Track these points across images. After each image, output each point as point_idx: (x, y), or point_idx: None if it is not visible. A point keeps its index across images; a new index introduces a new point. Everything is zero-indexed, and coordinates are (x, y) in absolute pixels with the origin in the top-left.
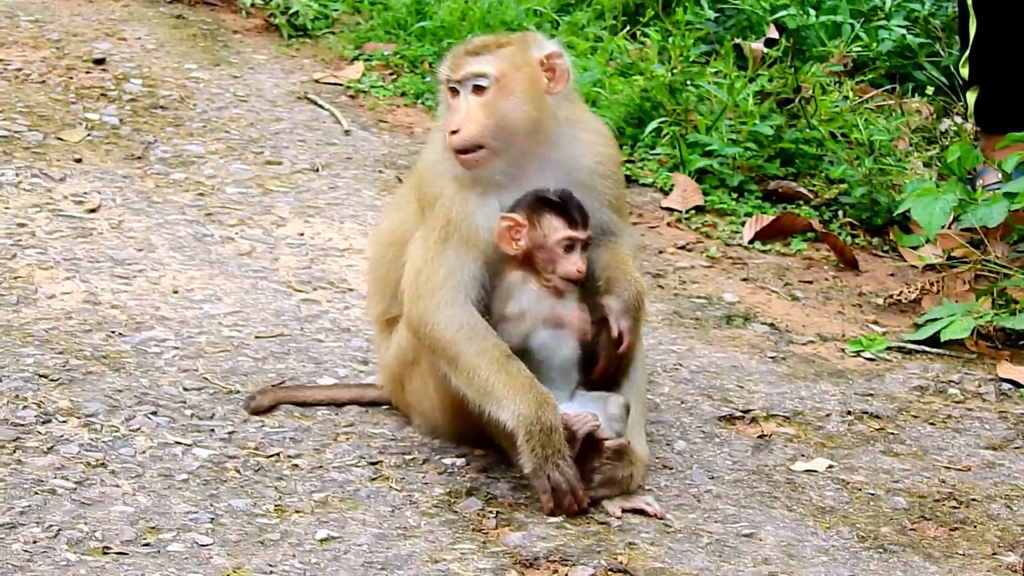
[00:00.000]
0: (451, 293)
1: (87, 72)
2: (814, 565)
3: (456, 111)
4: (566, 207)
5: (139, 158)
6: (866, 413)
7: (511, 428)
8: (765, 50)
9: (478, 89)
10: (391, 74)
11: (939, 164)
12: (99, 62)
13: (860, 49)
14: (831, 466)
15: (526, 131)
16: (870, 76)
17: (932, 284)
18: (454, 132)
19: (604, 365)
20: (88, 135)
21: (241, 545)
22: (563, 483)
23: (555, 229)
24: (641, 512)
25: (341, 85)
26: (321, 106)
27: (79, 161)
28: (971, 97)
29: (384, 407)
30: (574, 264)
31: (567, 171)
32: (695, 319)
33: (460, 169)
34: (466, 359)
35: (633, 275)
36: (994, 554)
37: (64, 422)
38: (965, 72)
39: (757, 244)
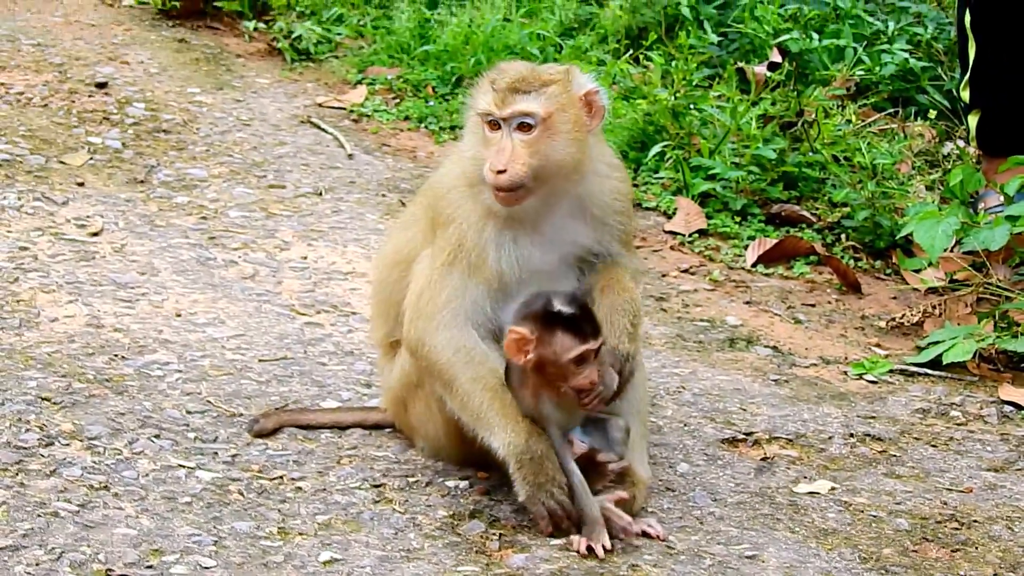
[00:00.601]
0: (451, 315)
1: (89, 96)
2: None
3: (501, 149)
4: (577, 323)
5: (142, 182)
6: (868, 435)
7: (502, 456)
8: (768, 74)
9: (525, 127)
10: (394, 98)
11: (942, 187)
12: (101, 86)
13: (863, 73)
14: (833, 488)
15: (567, 171)
16: (873, 100)
17: (934, 307)
18: (500, 172)
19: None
20: (91, 159)
21: (244, 568)
22: (558, 509)
23: (567, 348)
24: (644, 534)
25: (344, 109)
26: (324, 130)
27: (81, 185)
28: (972, 120)
29: (387, 430)
30: (587, 377)
31: (584, 207)
32: (698, 342)
33: (484, 198)
34: (461, 383)
35: (628, 286)
36: (995, 575)
37: (67, 445)
38: (966, 96)
39: (760, 267)
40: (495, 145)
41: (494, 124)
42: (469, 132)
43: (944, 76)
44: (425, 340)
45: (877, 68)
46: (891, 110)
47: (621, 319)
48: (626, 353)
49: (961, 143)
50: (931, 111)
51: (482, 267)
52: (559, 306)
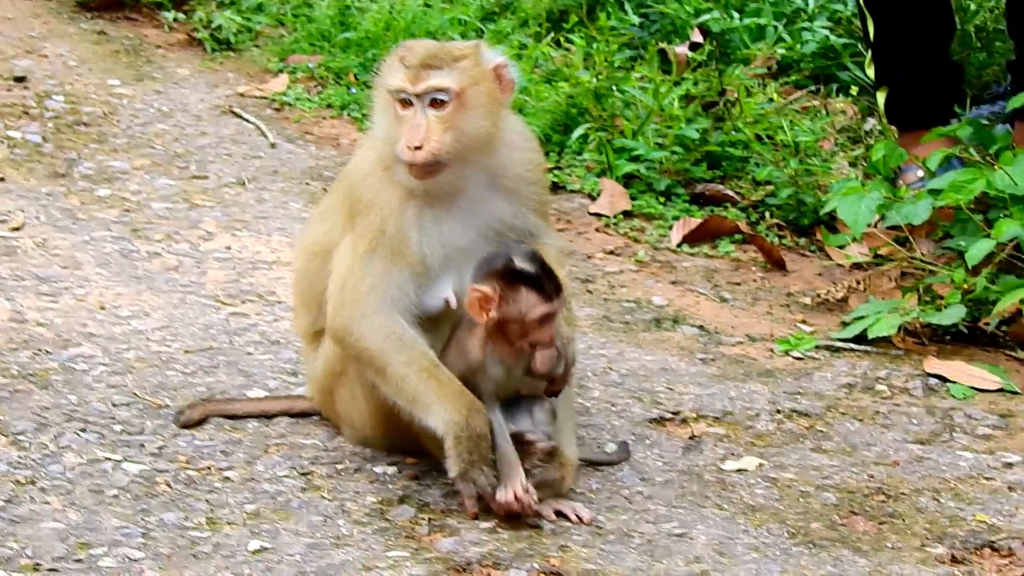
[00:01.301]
0: (376, 302)
1: (8, 90)
2: (745, 563)
3: (415, 125)
4: (540, 281)
5: (63, 175)
6: (795, 411)
7: (441, 434)
8: (689, 54)
9: (438, 103)
10: (316, 86)
11: (864, 163)
12: (20, 80)
13: (784, 51)
14: (761, 464)
15: (482, 145)
16: (794, 78)
17: (859, 282)
18: (416, 148)
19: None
20: (10, 153)
21: (173, 559)
22: (489, 488)
23: (531, 306)
24: (566, 517)
25: (266, 98)
26: (246, 119)
27: (2, 180)
28: (880, 97)
29: (315, 418)
30: (548, 334)
31: (497, 179)
32: (624, 323)
33: (402, 179)
34: (394, 368)
35: (559, 273)
36: (923, 546)
37: None
38: (871, 73)
39: (685, 247)
40: (408, 122)
41: (406, 102)
42: (380, 113)
43: (864, 52)
44: (352, 329)
45: (798, 46)
46: (813, 87)
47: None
48: (567, 337)
49: (880, 118)
50: (852, 87)
51: (404, 251)
52: (521, 264)
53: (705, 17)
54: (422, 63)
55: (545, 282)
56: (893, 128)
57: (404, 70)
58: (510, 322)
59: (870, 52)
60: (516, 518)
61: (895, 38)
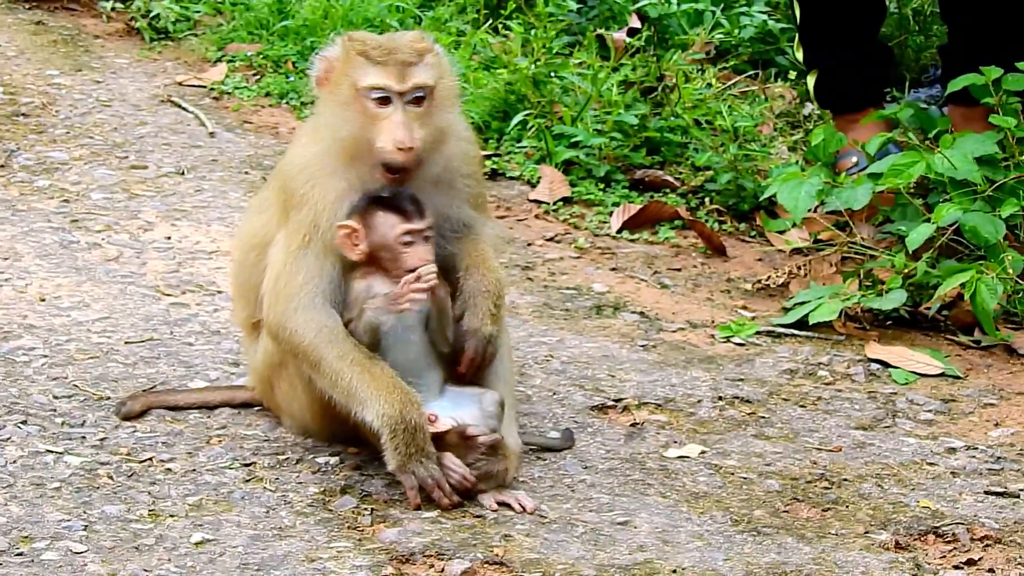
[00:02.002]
0: (309, 297)
1: None
2: (689, 550)
3: (399, 124)
4: (397, 201)
5: (2, 166)
6: (737, 398)
7: (376, 428)
8: (628, 40)
9: (417, 100)
10: (255, 75)
11: (804, 148)
12: None
13: (722, 36)
14: (704, 452)
15: (443, 140)
16: (733, 63)
17: (799, 268)
18: (406, 148)
19: (470, 357)
20: None
21: (116, 551)
22: (429, 478)
23: (391, 226)
24: (509, 507)
25: (205, 87)
26: (185, 109)
27: None
28: (810, 80)
29: (256, 408)
30: (418, 256)
31: (434, 171)
32: (565, 310)
33: (350, 176)
34: (329, 362)
35: (491, 264)
36: (866, 532)
37: None
38: (800, 56)
39: (625, 233)
40: (390, 121)
41: (385, 99)
42: (340, 109)
43: None
44: (286, 324)
45: (736, 31)
46: (751, 72)
47: (484, 301)
48: (488, 334)
49: None
50: (791, 72)
51: (335, 248)
52: (380, 193)
53: (643, 2)
54: (403, 60)
55: (405, 203)
56: (828, 112)
57: (382, 67)
58: (380, 250)
59: (798, 35)
60: (459, 506)
61: (823, 20)
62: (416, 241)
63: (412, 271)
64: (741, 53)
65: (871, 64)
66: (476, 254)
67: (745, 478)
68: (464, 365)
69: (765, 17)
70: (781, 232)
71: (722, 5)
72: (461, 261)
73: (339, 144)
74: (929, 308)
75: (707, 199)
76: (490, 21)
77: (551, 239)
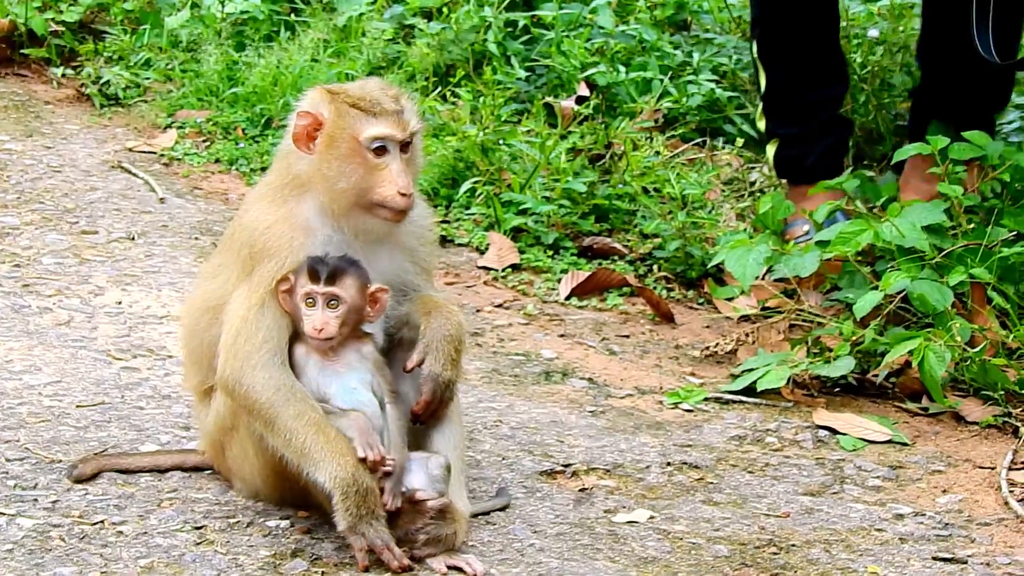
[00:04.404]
0: (268, 355)
1: None
2: None
3: (399, 172)
4: (319, 266)
5: None
6: (685, 464)
7: (328, 489)
8: (576, 107)
9: (405, 147)
10: (204, 141)
11: (752, 216)
12: None
13: (670, 104)
14: (652, 517)
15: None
16: (681, 131)
17: (747, 335)
18: (407, 195)
19: (426, 400)
20: None
21: None
22: (378, 541)
23: (300, 286)
24: (464, 570)
25: (155, 153)
26: (135, 174)
27: None
28: (770, 149)
29: (207, 472)
30: (311, 322)
31: (397, 235)
32: (514, 376)
33: (320, 227)
34: (283, 421)
35: (452, 310)
36: None
37: None
38: (762, 125)
39: (574, 300)
40: (389, 169)
41: (382, 149)
42: (335, 161)
43: (749, 104)
44: (242, 380)
45: (684, 99)
46: (699, 140)
47: (446, 345)
48: (447, 380)
49: (767, 171)
50: (738, 139)
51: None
52: (317, 256)
53: (591, 71)
54: (395, 109)
55: (324, 267)
56: (783, 182)
57: (381, 118)
58: (290, 305)
59: (761, 105)
60: (409, 570)
61: (788, 89)
62: (316, 304)
63: (309, 335)
64: (689, 121)
65: (832, 135)
66: (435, 303)
67: (694, 543)
68: (420, 407)
69: (712, 85)
70: (729, 299)
71: (670, 73)
72: (419, 310)
73: (337, 196)
74: (877, 375)
75: (655, 266)
76: (439, 89)
77: (500, 305)
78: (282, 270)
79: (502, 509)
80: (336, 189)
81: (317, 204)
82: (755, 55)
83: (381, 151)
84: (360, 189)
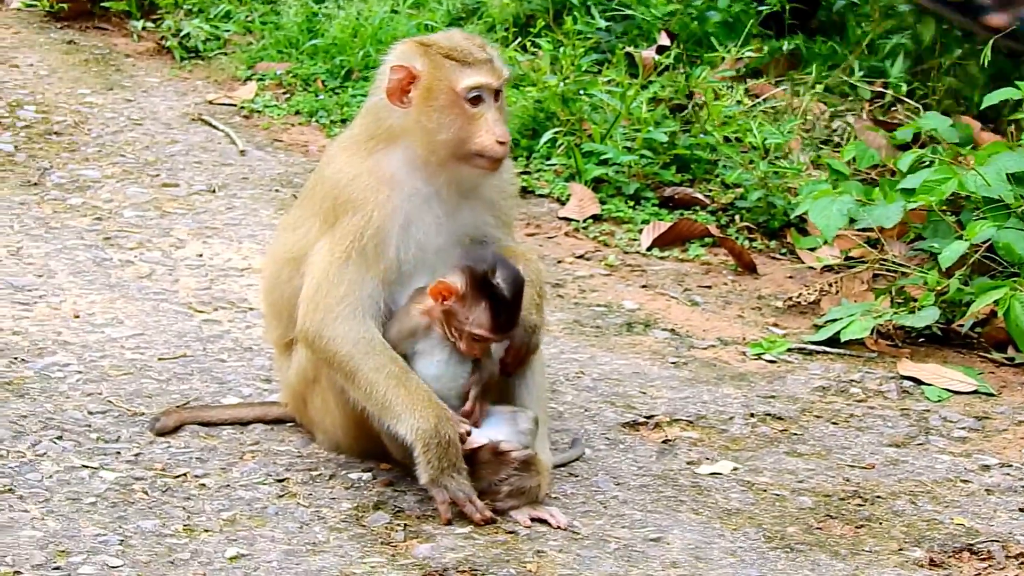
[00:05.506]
0: (350, 309)
1: None
2: (722, 567)
3: (496, 120)
4: (502, 309)
5: (35, 184)
6: (769, 415)
7: (409, 441)
8: (656, 57)
9: (497, 95)
10: (285, 93)
11: (830, 164)
12: None
13: (751, 53)
14: (736, 468)
15: None
16: (762, 80)
17: (830, 285)
18: (504, 143)
19: (516, 347)
20: None
21: (151, 566)
22: (461, 493)
23: (478, 325)
24: (546, 523)
25: (235, 105)
26: (216, 127)
27: None
28: None
29: (289, 424)
30: (472, 352)
31: (480, 188)
32: (596, 327)
33: (409, 180)
34: (364, 374)
35: (532, 257)
36: (900, 550)
37: None
38: None
39: (655, 251)
40: (486, 118)
41: (477, 99)
42: (434, 113)
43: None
44: (323, 332)
45: (765, 48)
46: (781, 89)
47: (529, 290)
48: (533, 324)
49: (851, 119)
50: (818, 86)
51: (381, 255)
52: (499, 281)
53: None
54: (487, 58)
55: (504, 313)
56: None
57: (476, 67)
58: (454, 318)
59: None
60: (492, 522)
61: None
62: (484, 342)
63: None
64: (771, 70)
65: None
66: (515, 252)
67: (778, 495)
68: (510, 355)
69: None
70: (812, 249)
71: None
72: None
73: (436, 147)
74: (962, 325)
75: (737, 216)
76: (519, 39)
77: (581, 256)
78: (368, 224)
79: (579, 458)
80: (436, 141)
81: (405, 157)
82: None
83: (477, 100)
84: (458, 139)
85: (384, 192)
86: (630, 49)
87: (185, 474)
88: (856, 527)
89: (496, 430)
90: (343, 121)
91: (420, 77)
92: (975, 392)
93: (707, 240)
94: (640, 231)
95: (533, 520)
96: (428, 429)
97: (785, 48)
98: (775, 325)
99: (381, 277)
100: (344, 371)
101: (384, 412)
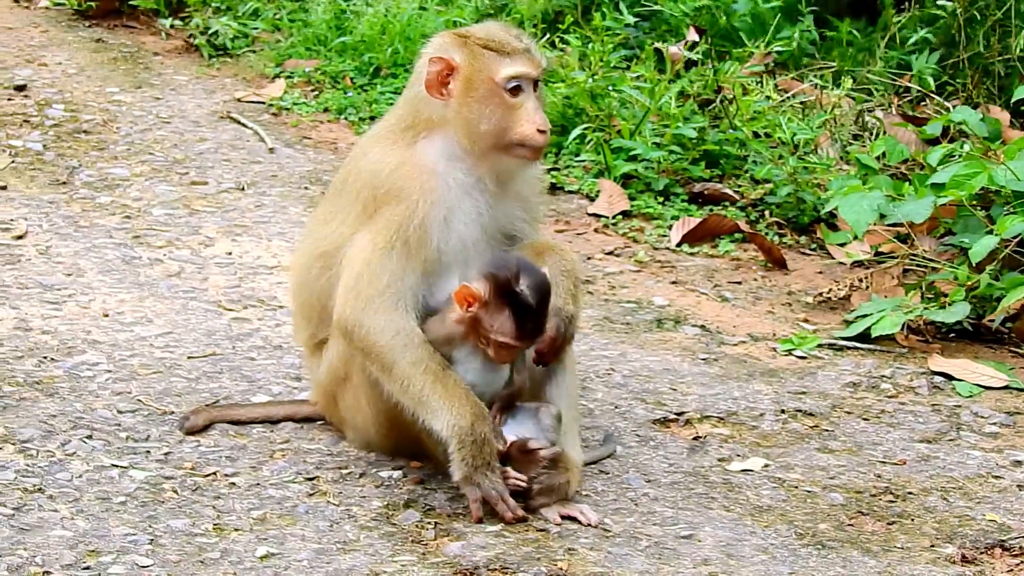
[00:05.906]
0: (391, 300)
1: (8, 99)
2: (754, 564)
3: (536, 109)
4: (526, 316)
5: (64, 183)
6: (800, 411)
7: (445, 437)
8: (685, 53)
9: (536, 84)
10: (313, 90)
11: (859, 159)
12: (20, 88)
13: (781, 48)
14: (767, 465)
15: None
16: (792, 74)
17: (861, 280)
18: (544, 131)
19: (551, 336)
20: (12, 162)
21: (181, 565)
22: (493, 492)
23: (503, 332)
24: (576, 521)
25: (263, 103)
26: (244, 125)
27: (4, 188)
28: None
29: (319, 423)
30: (502, 359)
31: (513, 185)
32: (626, 324)
33: (449, 170)
34: (401, 367)
35: (565, 248)
36: (932, 546)
37: None
38: None
39: (685, 247)
40: (527, 108)
41: (517, 89)
42: (475, 104)
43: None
44: (363, 322)
45: (794, 43)
46: (810, 84)
47: (564, 280)
48: (569, 314)
49: (880, 113)
50: (847, 81)
51: (423, 247)
52: (524, 287)
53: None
54: (525, 48)
55: (528, 320)
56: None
57: (515, 57)
58: (480, 324)
59: None
60: (523, 520)
61: None
62: (510, 350)
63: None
64: (800, 65)
65: None
66: (547, 244)
67: (809, 491)
68: (546, 344)
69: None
70: (842, 245)
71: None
72: (530, 253)
73: (478, 138)
74: (993, 320)
75: (767, 212)
76: (547, 35)
77: (611, 253)
78: (413, 213)
79: (611, 455)
80: (477, 132)
81: (446, 147)
82: None
83: (516, 91)
84: (500, 129)
85: (428, 182)
86: (658, 45)
87: (215, 473)
88: (888, 523)
89: (522, 427)
90: (371, 118)
91: (459, 68)
92: (1006, 387)
93: (737, 236)
94: (669, 227)
95: (563, 518)
96: (464, 426)
97: (803, 39)
98: (805, 321)
99: (422, 269)
100: (382, 363)
101: (420, 407)
